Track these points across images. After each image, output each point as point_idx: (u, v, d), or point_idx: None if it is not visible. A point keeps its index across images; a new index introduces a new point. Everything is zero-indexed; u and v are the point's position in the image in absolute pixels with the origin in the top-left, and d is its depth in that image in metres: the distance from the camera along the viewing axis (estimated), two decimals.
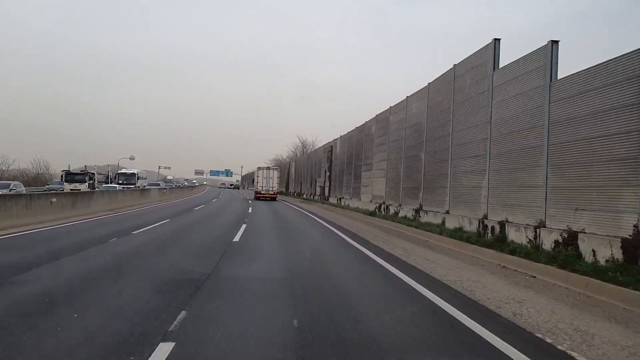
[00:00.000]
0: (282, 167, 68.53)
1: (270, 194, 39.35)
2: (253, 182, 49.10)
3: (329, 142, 36.62)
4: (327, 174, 35.49)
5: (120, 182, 40.31)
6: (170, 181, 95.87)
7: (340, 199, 30.22)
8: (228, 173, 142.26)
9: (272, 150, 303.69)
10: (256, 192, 40.45)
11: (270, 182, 39.31)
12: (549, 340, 4.23)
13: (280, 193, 65.38)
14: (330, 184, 34.59)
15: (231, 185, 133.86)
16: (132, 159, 74.22)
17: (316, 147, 51.59)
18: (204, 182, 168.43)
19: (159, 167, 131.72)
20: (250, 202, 35.44)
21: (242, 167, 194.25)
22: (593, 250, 7.41)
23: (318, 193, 39.07)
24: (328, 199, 34.31)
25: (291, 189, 58.37)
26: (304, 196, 46.56)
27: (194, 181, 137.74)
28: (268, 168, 41.13)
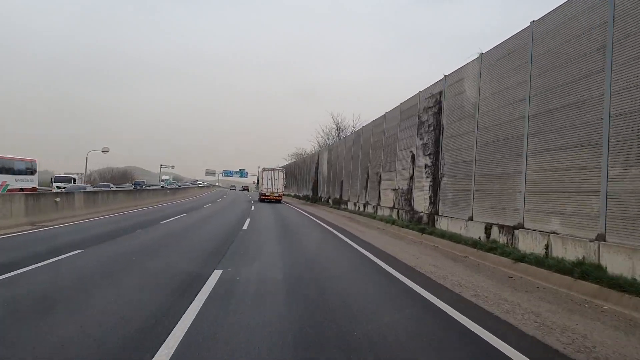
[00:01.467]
0: (307, 163, 48.62)
1: (275, 196, 38.22)
2: (257, 183, 45.93)
3: (430, 86, 16.38)
4: (429, 163, 15.29)
5: None
6: (166, 182, 77.25)
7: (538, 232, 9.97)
8: (242, 174, 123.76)
9: (293, 143, 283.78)
10: (260, 194, 39.45)
11: (275, 184, 38.45)
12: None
13: (306, 198, 45.52)
14: (437, 184, 14.34)
15: (243, 187, 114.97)
16: (105, 151, 55.80)
17: (356, 129, 30.90)
18: (217, 184, 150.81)
19: (161, 166, 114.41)
20: (247, 224, 15.28)
21: (259, 167, 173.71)
22: None
23: (391, 203, 18.86)
24: (433, 222, 14.09)
25: (322, 193, 38.32)
26: (349, 206, 26.53)
27: (199, 182, 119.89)
28: (273, 169, 39.40)
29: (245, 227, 14.67)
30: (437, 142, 14.60)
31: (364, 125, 25.77)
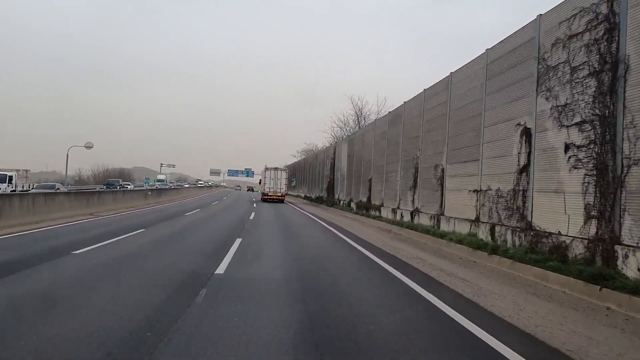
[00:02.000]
0: (320, 159, 41.58)
1: (278, 196, 38.00)
2: (260, 182, 47.69)
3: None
4: (579, 141, 7.95)
5: None
6: (162, 181, 70.19)
7: None
8: (249, 173, 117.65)
9: (293, 143, 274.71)
10: (263, 194, 39.25)
11: (278, 184, 38.23)
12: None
13: (319, 200, 38.28)
14: (611, 182, 7.02)
15: (248, 188, 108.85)
16: (88, 146, 49.20)
17: (382, 115, 23.62)
18: (222, 183, 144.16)
19: (161, 165, 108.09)
20: (230, 256, 7.86)
21: (265, 166, 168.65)
22: None
23: (473, 214, 11.51)
24: (608, 260, 6.74)
25: (340, 194, 31.12)
26: (383, 213, 19.38)
27: (200, 182, 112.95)
28: (276, 169, 38.83)
29: (220, 269, 7.40)
30: (603, 98, 7.32)
31: (406, 100, 18.39)
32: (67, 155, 47.71)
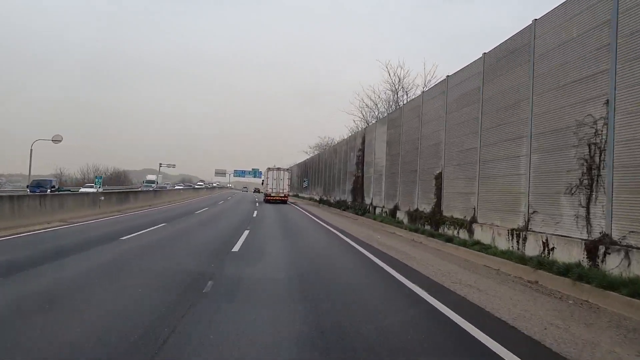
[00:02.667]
0: (341, 152, 32.79)
1: (281, 197, 37.72)
2: (262, 183, 47.39)
3: None
4: None
5: None
6: (151, 182, 61.55)
7: None
8: (256, 173, 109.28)
9: (314, 134, 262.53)
10: (266, 195, 38.80)
11: (280, 184, 37.90)
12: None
13: (341, 206, 29.16)
14: None
15: (255, 189, 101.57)
16: (56, 140, 40.99)
17: (429, 87, 15.69)
18: (228, 184, 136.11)
19: (160, 165, 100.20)
20: None
21: (268, 167, 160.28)
22: None
23: None
24: None
25: (375, 199, 22.26)
26: (483, 239, 10.49)
27: (200, 183, 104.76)
28: (278, 169, 38.39)
29: None
30: None
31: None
32: (31, 150, 39.35)
